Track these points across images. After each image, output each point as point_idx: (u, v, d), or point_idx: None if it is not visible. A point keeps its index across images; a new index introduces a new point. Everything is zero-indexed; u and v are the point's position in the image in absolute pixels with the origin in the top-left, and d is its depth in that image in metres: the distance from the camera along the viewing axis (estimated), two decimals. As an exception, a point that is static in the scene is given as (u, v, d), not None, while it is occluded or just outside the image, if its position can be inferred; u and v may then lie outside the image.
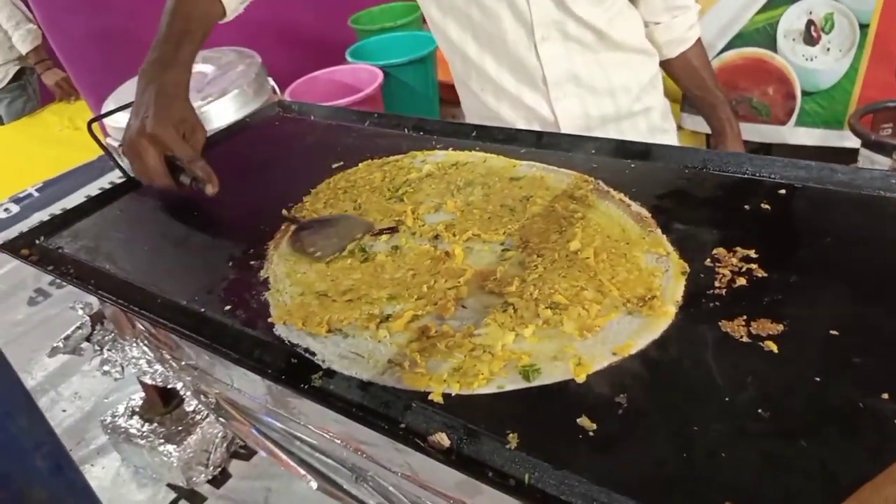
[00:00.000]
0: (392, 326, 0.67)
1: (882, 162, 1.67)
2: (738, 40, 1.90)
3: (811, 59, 1.82)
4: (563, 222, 0.77)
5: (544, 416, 0.55)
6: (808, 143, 1.88)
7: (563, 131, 1.17)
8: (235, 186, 1.01)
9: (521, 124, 1.18)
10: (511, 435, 0.53)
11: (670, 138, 1.30)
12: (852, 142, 1.76)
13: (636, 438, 0.52)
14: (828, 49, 1.79)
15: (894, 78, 1.72)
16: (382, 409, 0.59)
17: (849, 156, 1.82)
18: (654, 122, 1.25)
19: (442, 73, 1.90)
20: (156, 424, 1.08)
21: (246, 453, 1.10)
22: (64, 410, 1.29)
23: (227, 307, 0.74)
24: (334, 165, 1.00)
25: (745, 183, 0.78)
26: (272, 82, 1.55)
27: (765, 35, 1.85)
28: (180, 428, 1.06)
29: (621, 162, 0.87)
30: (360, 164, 0.99)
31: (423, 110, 1.81)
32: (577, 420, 0.53)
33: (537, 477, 0.50)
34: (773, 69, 1.87)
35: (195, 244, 0.89)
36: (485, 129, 1.02)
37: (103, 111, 1.30)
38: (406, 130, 1.08)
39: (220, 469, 1.08)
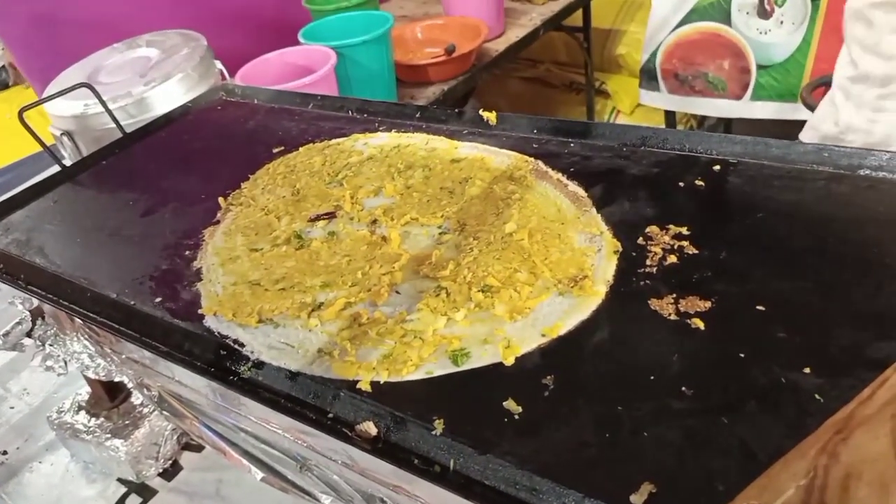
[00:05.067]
0: (323, 315, 0.65)
1: (833, 135, 1.69)
2: (694, 15, 1.90)
3: (765, 33, 1.82)
4: (501, 204, 0.76)
5: (472, 401, 0.55)
6: (763, 117, 1.90)
7: None
8: (173, 174, 0.99)
9: None
10: (437, 421, 0.52)
11: None
12: (806, 114, 1.78)
13: (561, 420, 0.51)
14: (781, 22, 1.80)
15: (845, 50, 1.74)
16: (311, 399, 0.58)
17: (802, 128, 1.84)
18: None
19: (399, 54, 1.87)
20: (102, 419, 1.06)
21: (197, 445, 1.09)
22: (12, 407, 1.26)
23: (158, 299, 0.72)
24: (275, 150, 0.98)
25: (681, 159, 0.78)
26: (220, 65, 1.51)
27: (719, 9, 1.86)
28: (127, 422, 1.04)
29: (562, 141, 0.86)
30: (300, 148, 0.97)
31: (380, 91, 1.78)
32: (504, 403, 0.53)
33: (462, 463, 0.50)
34: (728, 43, 1.88)
35: (129, 234, 0.86)
36: (428, 110, 1.00)
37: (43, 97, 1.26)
38: (350, 112, 1.05)
39: (171, 462, 1.07)
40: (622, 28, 2.43)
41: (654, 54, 2.08)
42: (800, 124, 1.73)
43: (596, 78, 2.55)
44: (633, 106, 2.45)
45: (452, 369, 0.58)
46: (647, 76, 2.11)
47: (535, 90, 2.82)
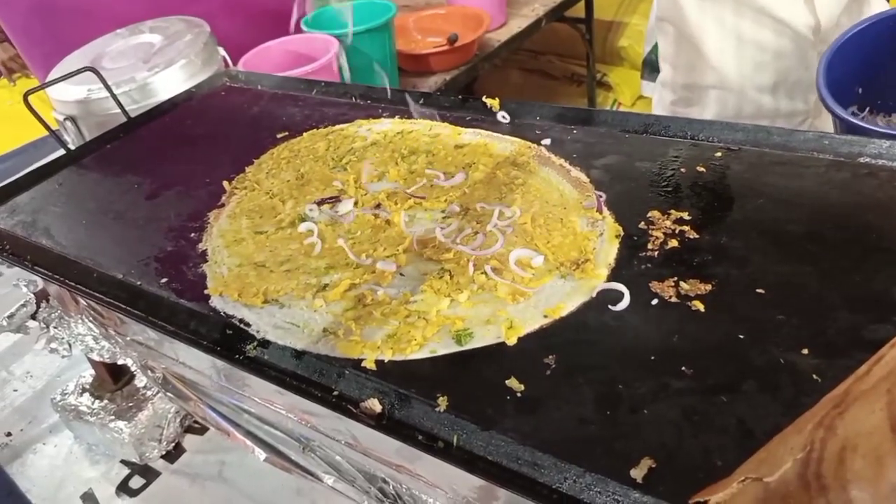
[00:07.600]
0: (328, 296, 0.66)
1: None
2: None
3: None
4: (504, 189, 0.77)
5: (475, 379, 0.56)
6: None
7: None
8: (178, 158, 1.00)
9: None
10: (441, 398, 0.53)
11: None
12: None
13: (562, 398, 0.52)
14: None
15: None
16: (316, 377, 0.59)
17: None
18: None
19: (401, 43, 1.88)
20: (106, 401, 1.07)
21: (200, 427, 1.10)
22: (15, 390, 1.26)
23: (164, 280, 0.73)
24: (280, 135, 0.99)
25: (683, 146, 0.78)
26: (223, 52, 1.51)
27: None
28: (131, 404, 1.05)
29: (565, 128, 0.86)
30: (304, 134, 0.97)
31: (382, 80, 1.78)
32: (506, 382, 0.54)
33: (465, 439, 0.51)
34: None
35: (135, 217, 0.87)
36: (432, 97, 1.00)
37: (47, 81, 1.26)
38: (354, 99, 1.06)
39: (173, 444, 1.08)
40: (624, 20, 2.43)
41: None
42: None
43: (597, 70, 2.56)
44: (635, 98, 2.46)
45: (456, 349, 0.58)
46: (650, 68, 2.11)
47: (536, 81, 2.82)
